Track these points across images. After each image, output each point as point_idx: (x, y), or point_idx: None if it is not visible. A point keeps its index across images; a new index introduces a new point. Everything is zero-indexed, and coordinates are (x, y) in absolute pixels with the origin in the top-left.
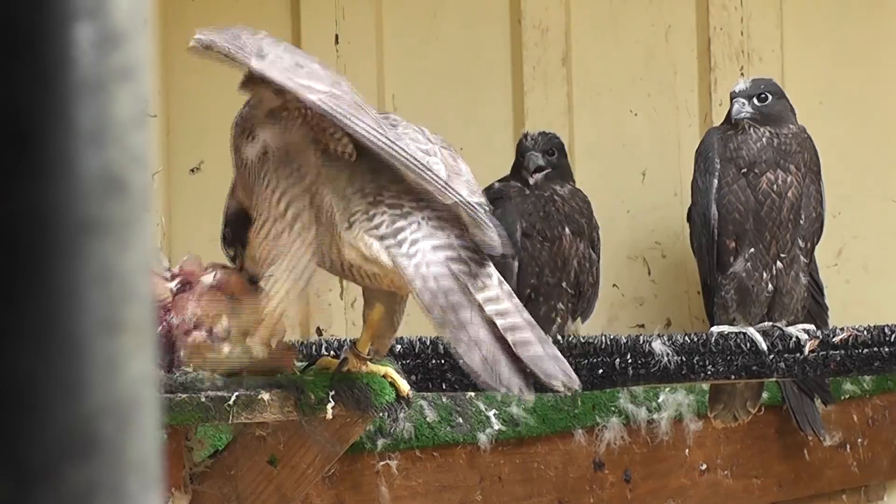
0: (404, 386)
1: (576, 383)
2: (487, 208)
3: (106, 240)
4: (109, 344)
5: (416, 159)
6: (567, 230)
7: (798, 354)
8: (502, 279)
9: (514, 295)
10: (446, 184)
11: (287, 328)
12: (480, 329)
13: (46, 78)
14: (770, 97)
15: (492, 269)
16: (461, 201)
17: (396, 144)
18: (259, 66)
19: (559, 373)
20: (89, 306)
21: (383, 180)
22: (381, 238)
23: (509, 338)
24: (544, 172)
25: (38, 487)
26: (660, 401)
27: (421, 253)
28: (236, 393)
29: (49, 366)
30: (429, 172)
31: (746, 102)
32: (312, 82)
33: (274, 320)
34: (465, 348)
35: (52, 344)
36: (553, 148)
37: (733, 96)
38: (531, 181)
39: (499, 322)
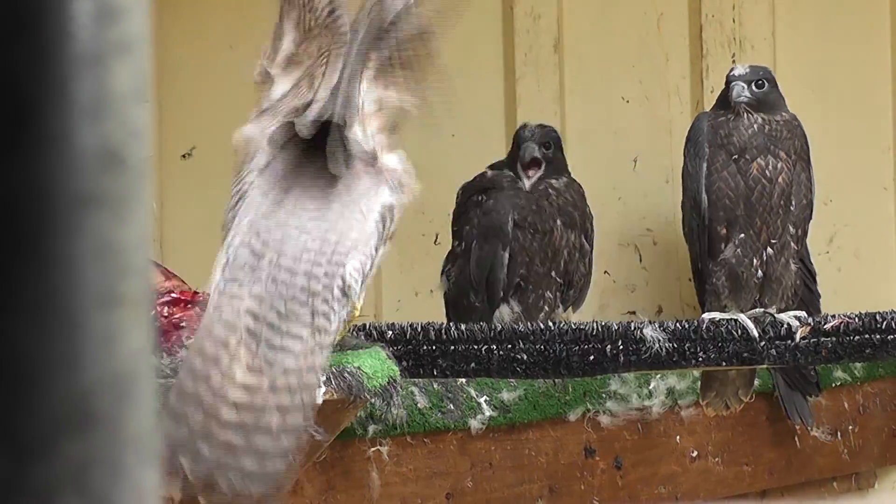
0: None
1: None
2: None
3: (104, 214)
4: (107, 318)
5: None
6: (559, 222)
7: (789, 341)
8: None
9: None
10: None
11: None
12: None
13: (45, 52)
14: (766, 84)
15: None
16: None
17: None
18: None
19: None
20: (87, 280)
21: None
22: None
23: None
24: (538, 174)
25: (35, 462)
26: (651, 387)
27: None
28: None
29: (46, 340)
30: None
31: (746, 87)
32: None
33: None
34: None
35: (50, 318)
36: (550, 141)
37: (732, 80)
38: (526, 184)
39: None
